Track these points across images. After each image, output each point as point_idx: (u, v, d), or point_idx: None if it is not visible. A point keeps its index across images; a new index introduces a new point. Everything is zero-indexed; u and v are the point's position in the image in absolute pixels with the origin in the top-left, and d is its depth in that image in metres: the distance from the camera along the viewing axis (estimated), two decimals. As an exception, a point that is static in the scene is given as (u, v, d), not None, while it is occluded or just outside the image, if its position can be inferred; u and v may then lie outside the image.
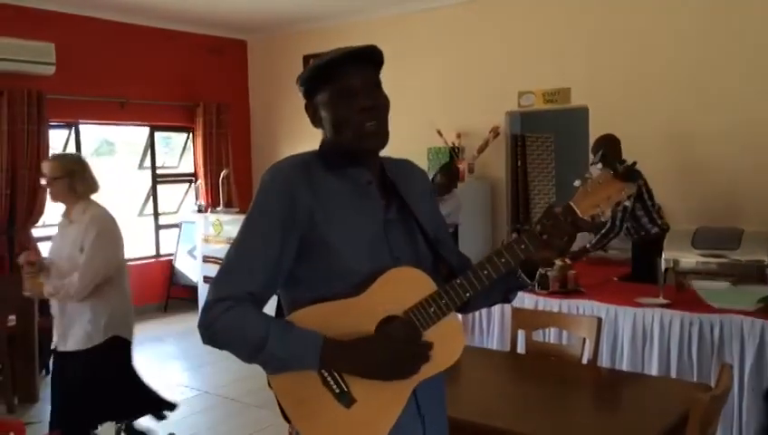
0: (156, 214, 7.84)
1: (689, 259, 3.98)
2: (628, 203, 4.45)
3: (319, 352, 1.40)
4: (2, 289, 4.56)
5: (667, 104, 5.63)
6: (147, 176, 7.74)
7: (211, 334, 1.44)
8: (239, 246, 1.49)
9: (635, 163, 1.58)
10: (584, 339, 3.01)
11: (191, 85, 7.83)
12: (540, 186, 6.98)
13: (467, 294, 1.47)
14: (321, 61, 1.48)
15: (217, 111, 7.97)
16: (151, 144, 7.73)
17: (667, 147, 5.63)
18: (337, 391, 1.43)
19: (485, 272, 1.47)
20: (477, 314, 4.31)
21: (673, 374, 3.48)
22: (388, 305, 1.46)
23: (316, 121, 1.55)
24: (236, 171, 8.18)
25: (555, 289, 3.98)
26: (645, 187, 4.52)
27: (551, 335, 3.73)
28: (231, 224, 7.10)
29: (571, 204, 1.50)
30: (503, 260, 1.47)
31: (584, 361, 2.99)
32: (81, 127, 7.09)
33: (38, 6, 6.47)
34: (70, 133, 7.01)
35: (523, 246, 1.48)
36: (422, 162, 6.71)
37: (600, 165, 1.45)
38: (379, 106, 1.50)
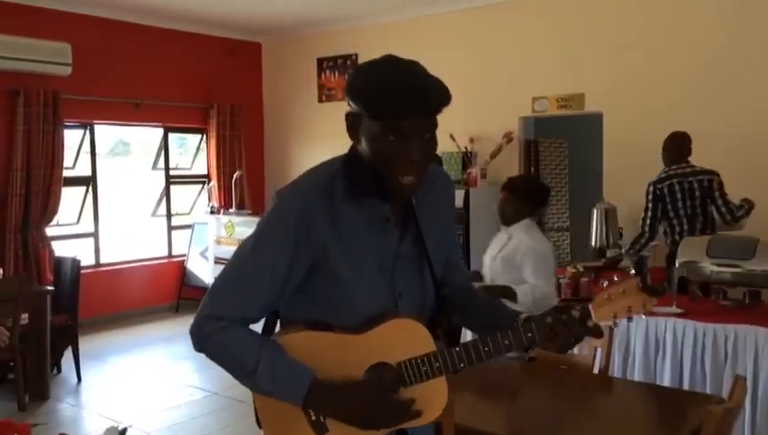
0: (169, 215, 7.87)
1: (703, 268, 3.93)
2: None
3: (305, 393, 1.41)
4: (15, 288, 4.58)
5: (681, 110, 5.58)
6: (160, 177, 7.78)
7: (202, 347, 1.47)
8: (246, 265, 1.45)
9: (665, 285, 1.50)
10: (596, 348, 2.98)
11: (205, 87, 7.86)
12: (553, 192, 6.94)
13: (462, 365, 1.45)
14: (392, 104, 1.36)
15: (231, 112, 8.00)
16: (165, 145, 7.77)
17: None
18: (313, 418, 1.46)
19: (486, 349, 1.45)
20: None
21: (686, 385, 3.44)
22: (383, 352, 1.46)
23: (355, 133, 1.44)
24: (249, 173, 8.20)
25: (567, 296, 3.95)
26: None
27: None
28: (243, 225, 7.12)
29: (590, 308, 1.45)
30: (506, 342, 1.45)
31: (595, 370, 2.96)
32: (96, 127, 7.14)
33: (55, 7, 6.53)
34: (85, 133, 7.05)
35: (529, 335, 1.45)
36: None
37: (632, 271, 1.39)
38: (425, 160, 1.41)
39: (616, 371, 3.60)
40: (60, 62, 6.39)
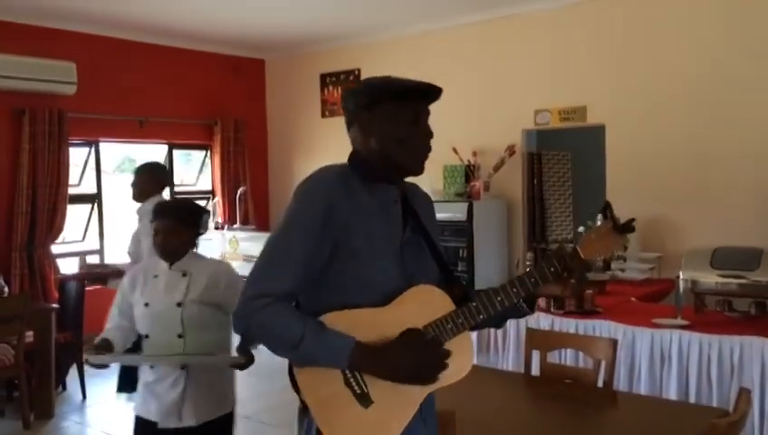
0: (173, 231, 7.87)
1: (708, 279, 3.91)
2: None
3: (349, 354, 1.53)
4: (21, 306, 4.60)
5: (684, 122, 5.59)
6: (165, 193, 7.79)
7: (246, 326, 1.58)
8: (279, 245, 1.59)
9: (633, 220, 1.71)
10: (600, 361, 2.96)
11: (209, 103, 7.91)
12: (556, 204, 6.93)
13: (481, 316, 1.63)
14: (407, 83, 1.68)
15: (235, 128, 8.04)
16: (170, 161, 7.81)
17: (684, 165, 5.57)
18: (358, 391, 1.56)
19: (499, 299, 1.63)
20: (492, 333, 4.28)
21: (692, 398, 3.41)
22: (410, 319, 1.60)
23: (365, 130, 1.67)
24: (253, 189, 8.23)
25: (571, 309, 3.94)
26: None
27: (566, 357, 3.68)
28: (248, 241, 7.13)
29: (577, 248, 1.66)
30: (514, 290, 1.63)
31: (600, 383, 2.94)
32: (102, 145, 7.18)
33: (59, 27, 6.59)
34: (90, 151, 7.10)
35: (532, 280, 1.63)
36: (438, 180, 6.71)
37: (599, 216, 1.54)
38: (431, 135, 1.71)
39: (621, 384, 3.58)
40: (65, 81, 6.44)
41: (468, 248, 6.28)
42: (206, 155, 8.17)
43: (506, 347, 4.20)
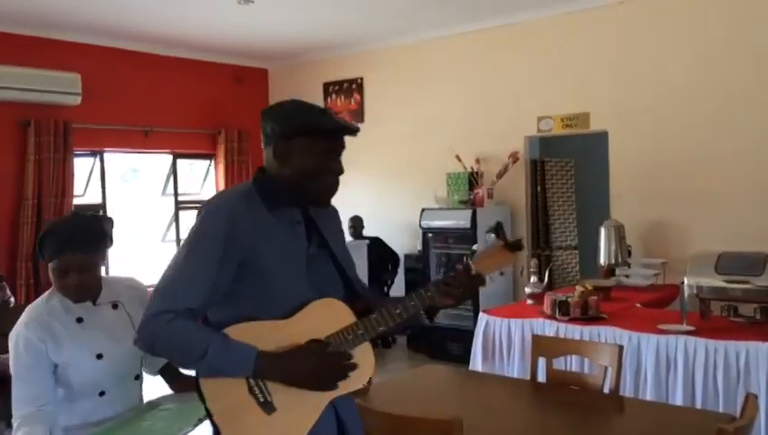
0: (178, 240, 7.91)
1: (713, 285, 3.91)
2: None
3: (253, 363, 1.61)
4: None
5: (688, 128, 5.59)
6: (170, 202, 7.84)
7: (152, 342, 1.61)
8: (183, 265, 1.65)
9: (520, 239, 1.90)
10: (606, 367, 2.96)
11: (213, 113, 7.95)
12: (560, 211, 6.94)
13: (381, 328, 1.73)
14: (328, 123, 1.73)
15: (239, 138, 8.07)
16: (174, 171, 7.85)
17: (688, 171, 5.58)
18: (261, 399, 1.64)
19: (398, 311, 1.74)
20: (497, 340, 4.28)
21: (698, 403, 3.41)
22: (312, 331, 1.69)
23: (281, 157, 1.73)
24: (257, 197, 8.23)
25: (576, 315, 3.94)
26: None
27: (572, 363, 3.68)
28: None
29: (471, 264, 1.80)
30: (412, 304, 1.75)
31: (606, 390, 2.94)
32: (106, 155, 7.22)
33: (64, 38, 6.64)
34: (95, 161, 7.14)
35: (429, 294, 1.76)
36: (441, 187, 6.72)
37: (492, 235, 1.67)
38: (341, 170, 1.78)
39: (627, 390, 3.58)
40: (70, 92, 6.49)
41: (472, 256, 6.26)
42: (209, 164, 8.20)
43: (512, 354, 4.20)
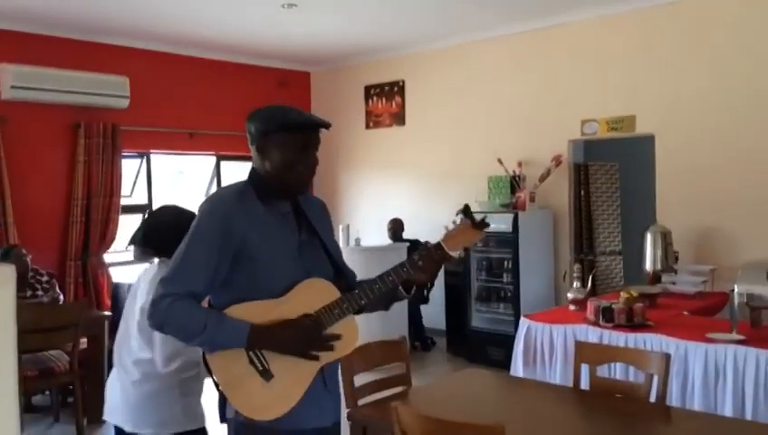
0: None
1: (765, 293, 3.80)
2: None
3: (247, 335, 1.84)
4: (76, 314, 4.73)
5: (738, 131, 5.44)
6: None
7: (159, 321, 1.86)
8: (185, 256, 1.89)
9: (485, 217, 2.07)
10: (652, 375, 2.90)
11: (256, 116, 8.03)
12: (604, 215, 6.82)
13: (363, 301, 1.95)
14: (299, 118, 1.98)
15: (281, 140, 8.14)
16: (218, 172, 7.97)
17: (738, 176, 5.42)
18: (260, 368, 1.87)
19: (377, 286, 1.96)
20: (539, 346, 4.23)
21: (748, 415, 3.30)
22: (302, 307, 1.91)
23: (261, 153, 1.97)
24: (298, 199, 8.31)
25: (621, 322, 3.86)
26: None
27: (616, 371, 3.61)
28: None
29: (441, 242, 2.00)
30: (390, 278, 1.97)
31: (652, 399, 2.87)
32: (152, 156, 7.38)
33: (114, 42, 6.81)
34: (141, 163, 7.30)
35: (404, 269, 1.97)
36: (483, 191, 6.67)
37: (461, 215, 1.91)
38: (315, 162, 2.02)
39: (674, 399, 3.49)
40: (119, 95, 6.65)
41: (513, 260, 6.22)
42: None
43: (554, 360, 4.14)
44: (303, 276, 1.94)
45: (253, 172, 2.02)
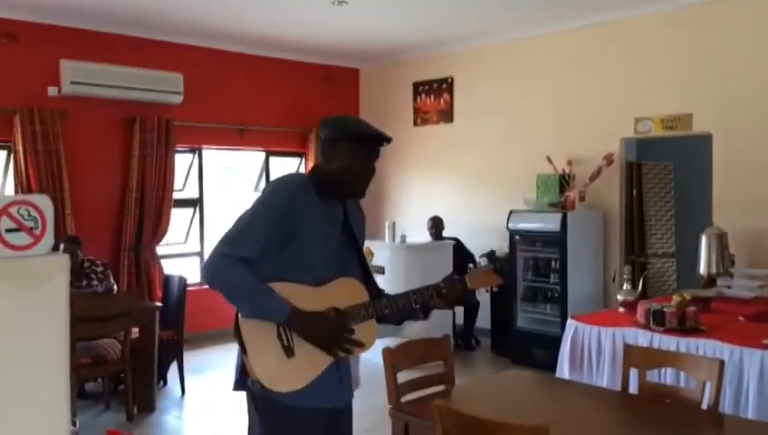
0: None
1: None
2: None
3: (287, 314, 2.02)
4: (128, 304, 4.87)
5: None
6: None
7: (212, 276, 2.02)
8: (250, 223, 2.06)
9: (507, 262, 2.34)
10: (704, 382, 2.81)
11: (305, 112, 8.12)
12: (657, 216, 6.64)
13: (386, 311, 2.18)
14: (367, 131, 2.18)
15: (329, 137, 8.20)
16: (266, 168, 8.08)
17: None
18: (285, 344, 2.05)
19: (402, 301, 2.19)
20: (586, 349, 4.15)
21: (807, 426, 3.17)
22: (336, 300, 2.11)
23: (326, 156, 2.17)
24: (345, 196, 8.35)
25: (672, 326, 3.75)
26: None
27: (666, 376, 3.51)
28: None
29: (466, 278, 2.25)
30: (414, 298, 2.20)
31: (704, 406, 2.78)
32: (204, 151, 7.52)
33: (169, 40, 6.97)
34: (193, 158, 7.45)
35: (429, 293, 2.20)
36: (531, 189, 6.58)
37: (485, 259, 2.47)
38: (373, 173, 2.20)
39: (726, 407, 3.37)
40: (173, 91, 6.81)
41: (561, 260, 6.12)
42: (300, 162, 8.39)
43: (601, 363, 4.05)
44: (339, 273, 2.14)
45: (315, 170, 2.20)
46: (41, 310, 1.11)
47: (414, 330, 3.84)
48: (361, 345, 2.11)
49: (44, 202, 1.19)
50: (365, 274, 2.27)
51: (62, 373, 1.13)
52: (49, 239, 1.19)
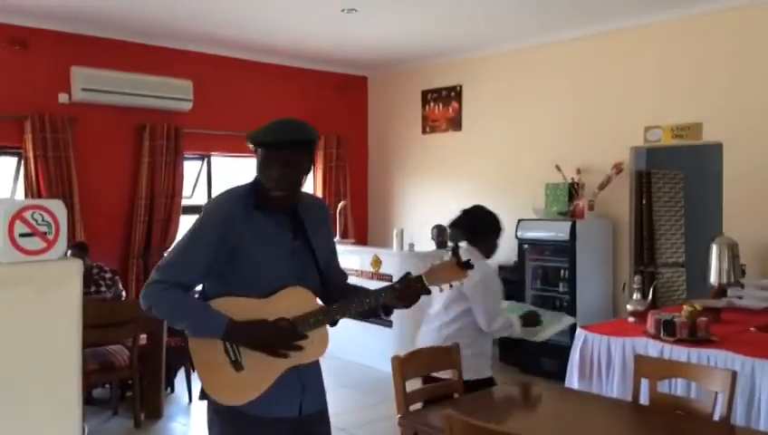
0: (276, 243, 8.12)
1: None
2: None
3: (225, 328, 2.02)
4: (136, 310, 4.85)
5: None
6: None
7: (149, 302, 2.06)
8: (183, 249, 2.10)
9: (469, 260, 2.18)
10: (716, 393, 2.78)
11: (313, 120, 7.99)
12: (666, 226, 6.60)
13: (337, 317, 2.13)
14: (270, 138, 2.10)
15: (337, 144, 8.23)
16: (275, 176, 8.09)
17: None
18: (233, 359, 2.07)
19: (353, 305, 2.14)
20: (596, 359, 4.12)
21: (821, 439, 3.13)
22: (282, 310, 2.08)
23: (257, 165, 2.14)
24: (353, 203, 8.36)
25: (683, 337, 3.72)
26: None
27: (677, 387, 3.48)
28: (347, 254, 7.23)
29: (422, 276, 2.15)
30: (367, 301, 2.14)
31: (716, 417, 2.76)
32: (213, 158, 7.54)
33: (178, 47, 7.00)
34: (202, 164, 7.47)
35: (382, 295, 2.15)
36: (539, 198, 6.56)
37: (450, 253, 2.21)
38: (284, 179, 2.09)
39: (737, 418, 3.33)
40: (182, 98, 6.83)
41: (570, 269, 6.09)
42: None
43: (611, 373, 4.02)
44: (293, 281, 2.10)
45: (255, 179, 2.18)
46: (54, 315, 1.11)
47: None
48: (306, 338, 2.08)
49: (58, 207, 1.19)
50: (320, 275, 2.21)
51: (74, 378, 1.12)
52: (62, 244, 1.19)
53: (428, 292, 2.14)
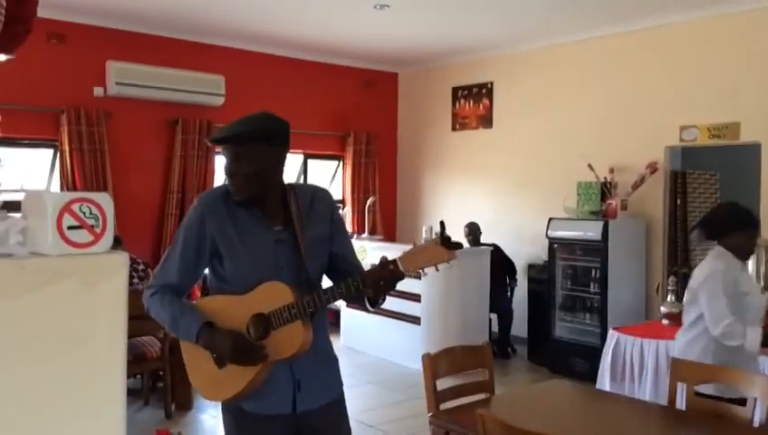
0: (305, 238, 8.16)
1: None
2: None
3: (196, 335, 2.05)
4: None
5: None
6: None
7: (146, 309, 2.14)
8: (168, 252, 2.15)
9: (460, 241, 1.98)
10: (756, 399, 2.72)
11: (344, 116, 8.14)
12: (701, 227, 6.47)
13: (311, 310, 2.02)
14: (217, 135, 2.14)
15: (367, 140, 8.22)
16: (304, 170, 8.12)
17: None
18: (215, 356, 2.09)
19: (326, 296, 2.03)
20: (628, 362, 4.06)
21: None
22: (259, 305, 2.05)
23: None
24: (382, 200, 8.36)
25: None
26: None
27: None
28: (376, 250, 7.23)
29: (397, 260, 1.97)
30: (339, 290, 2.02)
31: (756, 423, 2.70)
32: (243, 153, 7.58)
33: (211, 42, 7.06)
34: (232, 159, 7.51)
35: (354, 284, 2.00)
36: (571, 197, 6.48)
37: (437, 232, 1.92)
38: (238, 174, 2.06)
39: (778, 426, 3.26)
40: (215, 93, 6.89)
41: (602, 269, 6.01)
42: (338, 166, 8.41)
43: (644, 376, 3.97)
44: (275, 274, 2.07)
45: None
46: (101, 308, 1.12)
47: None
48: (264, 357, 2.01)
49: (105, 200, 1.20)
50: (347, 265, 2.19)
51: (119, 369, 1.13)
52: (109, 237, 1.20)
53: (402, 276, 1.95)
